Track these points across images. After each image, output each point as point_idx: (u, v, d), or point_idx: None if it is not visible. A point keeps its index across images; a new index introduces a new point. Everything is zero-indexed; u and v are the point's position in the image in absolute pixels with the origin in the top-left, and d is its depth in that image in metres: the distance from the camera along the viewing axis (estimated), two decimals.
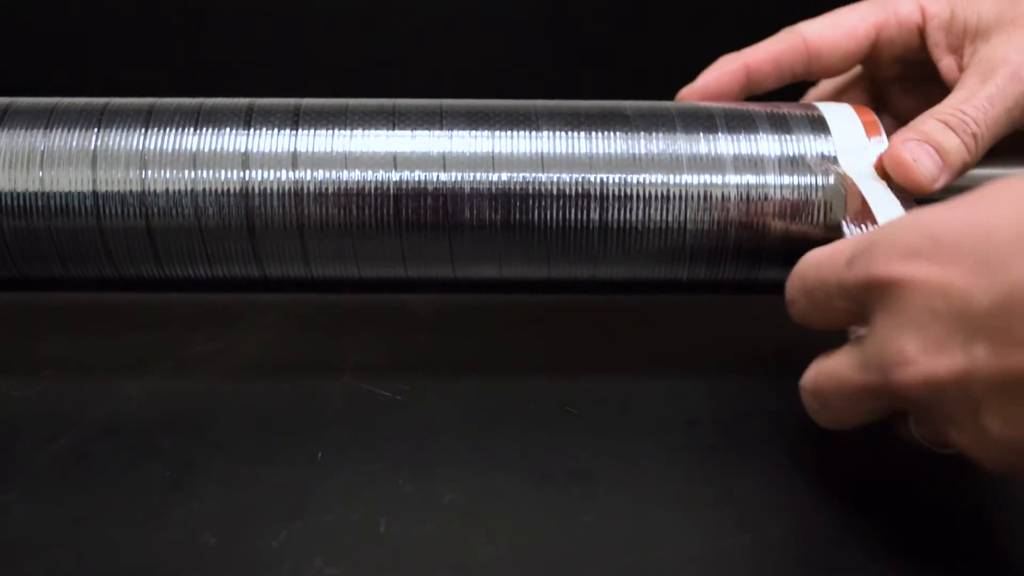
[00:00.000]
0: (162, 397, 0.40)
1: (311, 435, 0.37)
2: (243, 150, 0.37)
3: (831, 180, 0.37)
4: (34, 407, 0.39)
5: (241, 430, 0.38)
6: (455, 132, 0.38)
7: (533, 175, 0.38)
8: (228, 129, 0.38)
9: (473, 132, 0.38)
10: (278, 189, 0.37)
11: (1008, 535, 0.33)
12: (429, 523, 0.33)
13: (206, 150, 0.37)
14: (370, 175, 0.37)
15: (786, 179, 0.38)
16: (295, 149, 0.38)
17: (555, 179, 0.38)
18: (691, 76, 0.44)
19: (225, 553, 0.32)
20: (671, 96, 0.43)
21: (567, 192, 0.37)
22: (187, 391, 0.41)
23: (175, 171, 0.37)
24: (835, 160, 0.38)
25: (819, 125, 0.39)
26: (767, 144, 0.38)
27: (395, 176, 0.37)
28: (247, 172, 0.37)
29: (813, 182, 0.38)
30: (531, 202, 0.38)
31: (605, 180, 0.38)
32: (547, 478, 0.35)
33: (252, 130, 0.38)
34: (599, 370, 0.42)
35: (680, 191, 0.38)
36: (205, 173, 0.37)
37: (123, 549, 0.32)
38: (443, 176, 0.37)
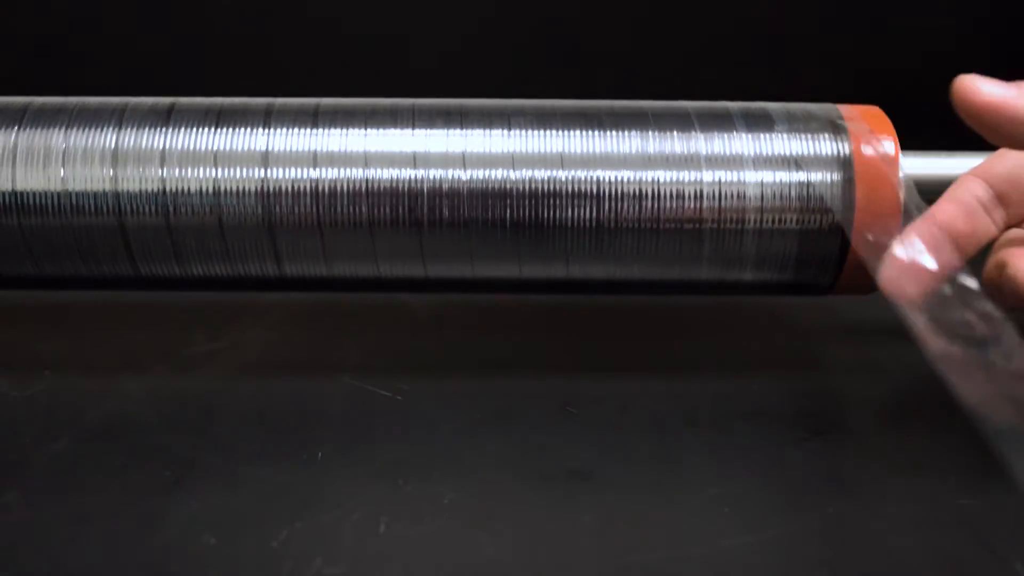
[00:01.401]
0: (162, 397, 0.40)
1: (311, 435, 0.37)
2: (263, 149, 0.38)
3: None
4: (34, 407, 0.39)
5: (241, 430, 0.38)
6: (472, 131, 0.38)
7: (517, 172, 0.38)
8: (248, 128, 0.38)
9: (490, 131, 0.38)
10: (298, 188, 0.37)
11: (1006, 511, 0.33)
12: (429, 523, 0.33)
13: (226, 149, 0.38)
14: (388, 173, 0.37)
15: (786, 178, 0.38)
16: (316, 148, 0.38)
17: (559, 177, 0.38)
18: (689, 76, 0.44)
19: (225, 553, 0.32)
20: (665, 96, 0.43)
21: (569, 191, 0.38)
22: (187, 391, 0.41)
23: (195, 169, 0.37)
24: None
25: (833, 128, 0.39)
26: (777, 143, 0.38)
27: (413, 174, 0.37)
28: (267, 171, 0.37)
29: (820, 180, 0.38)
30: (530, 201, 0.38)
31: (603, 179, 0.38)
32: (547, 478, 0.35)
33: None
34: (599, 370, 0.42)
35: (675, 190, 0.38)
36: (225, 172, 0.37)
37: (123, 549, 0.32)
38: (459, 174, 0.37)
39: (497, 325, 0.46)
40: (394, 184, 0.37)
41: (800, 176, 0.38)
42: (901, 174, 0.38)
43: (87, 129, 0.38)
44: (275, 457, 0.36)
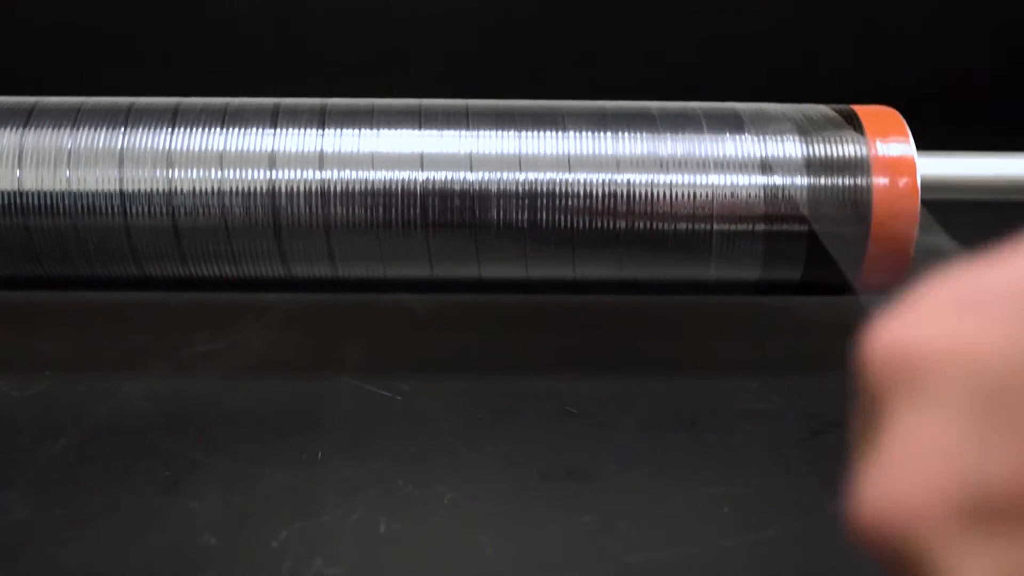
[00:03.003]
0: (162, 397, 0.40)
1: (311, 435, 0.37)
2: (270, 150, 0.38)
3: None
4: (34, 407, 0.39)
5: (241, 430, 0.38)
6: (481, 132, 0.38)
7: (529, 174, 0.38)
8: (254, 129, 0.38)
9: (498, 132, 0.38)
10: (304, 189, 0.37)
11: None
12: (429, 523, 0.33)
13: (232, 150, 0.38)
14: (396, 175, 0.37)
15: (764, 180, 0.38)
16: (321, 149, 0.38)
17: (559, 178, 0.38)
18: (688, 76, 0.44)
19: (225, 553, 0.32)
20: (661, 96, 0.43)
21: (578, 192, 0.38)
22: (187, 391, 0.41)
23: (200, 170, 0.37)
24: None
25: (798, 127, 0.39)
26: (749, 145, 0.38)
27: (422, 176, 0.37)
28: (272, 172, 0.37)
29: (834, 183, 0.38)
30: (539, 202, 0.38)
31: (602, 180, 0.38)
32: (547, 478, 0.35)
33: (278, 129, 0.38)
34: (599, 370, 0.42)
35: (672, 190, 0.38)
36: (231, 173, 0.37)
37: (123, 549, 0.32)
38: (469, 176, 0.38)
39: (497, 325, 0.46)
40: (448, 186, 0.37)
41: (823, 179, 0.38)
42: (919, 174, 0.38)
43: (94, 129, 0.38)
44: (275, 457, 0.36)
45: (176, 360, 0.42)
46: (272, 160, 0.37)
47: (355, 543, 0.32)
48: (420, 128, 0.38)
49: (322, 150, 0.38)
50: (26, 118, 0.38)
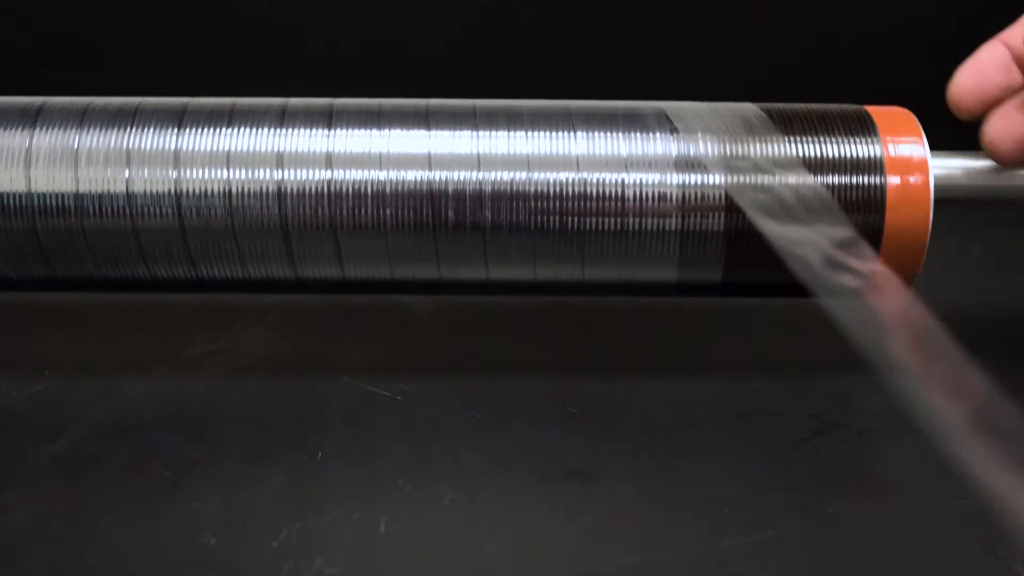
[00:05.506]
0: (162, 397, 0.40)
1: (311, 435, 0.37)
2: (277, 150, 0.38)
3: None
4: (34, 407, 0.39)
5: (241, 430, 0.38)
6: (490, 132, 0.38)
7: (528, 174, 0.38)
8: (263, 129, 0.38)
9: (508, 132, 0.38)
10: (311, 189, 0.37)
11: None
12: (429, 523, 0.33)
13: (237, 150, 0.38)
14: (403, 175, 0.37)
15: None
16: (330, 150, 0.38)
17: (563, 178, 0.38)
18: (686, 75, 0.43)
19: (225, 553, 0.32)
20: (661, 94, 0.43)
21: (573, 192, 0.38)
22: (187, 391, 0.41)
23: (207, 171, 0.37)
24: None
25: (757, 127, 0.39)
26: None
27: (430, 176, 0.37)
28: (280, 172, 0.37)
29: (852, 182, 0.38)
30: (531, 203, 0.38)
31: (604, 179, 0.38)
32: (547, 478, 0.35)
33: (285, 129, 0.38)
34: (599, 370, 0.42)
35: (673, 190, 0.38)
36: (238, 173, 0.37)
37: (123, 549, 0.32)
38: (478, 176, 0.37)
39: (497, 325, 0.46)
40: (408, 186, 0.37)
41: (835, 179, 0.38)
42: (931, 175, 0.38)
43: (99, 130, 0.38)
44: (275, 457, 0.36)
45: (176, 360, 0.42)
46: (329, 160, 0.38)
47: (355, 543, 0.32)
48: (379, 129, 0.38)
49: (375, 151, 0.38)
50: (34, 119, 0.38)
